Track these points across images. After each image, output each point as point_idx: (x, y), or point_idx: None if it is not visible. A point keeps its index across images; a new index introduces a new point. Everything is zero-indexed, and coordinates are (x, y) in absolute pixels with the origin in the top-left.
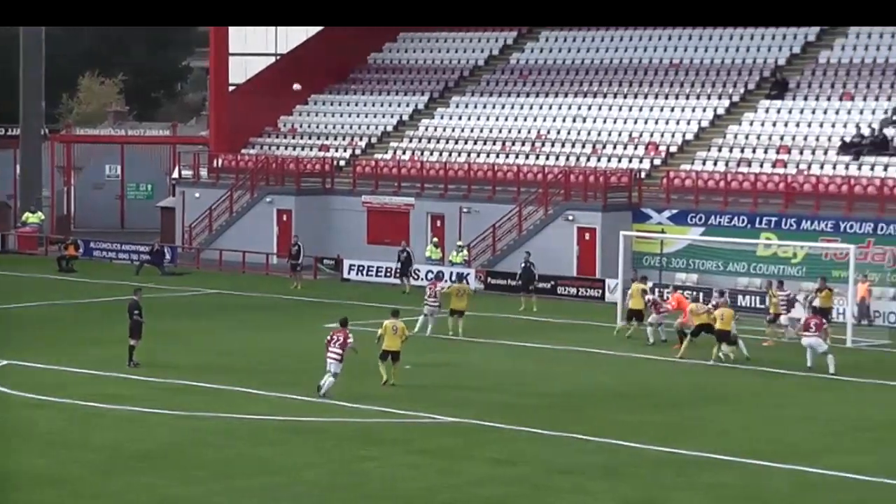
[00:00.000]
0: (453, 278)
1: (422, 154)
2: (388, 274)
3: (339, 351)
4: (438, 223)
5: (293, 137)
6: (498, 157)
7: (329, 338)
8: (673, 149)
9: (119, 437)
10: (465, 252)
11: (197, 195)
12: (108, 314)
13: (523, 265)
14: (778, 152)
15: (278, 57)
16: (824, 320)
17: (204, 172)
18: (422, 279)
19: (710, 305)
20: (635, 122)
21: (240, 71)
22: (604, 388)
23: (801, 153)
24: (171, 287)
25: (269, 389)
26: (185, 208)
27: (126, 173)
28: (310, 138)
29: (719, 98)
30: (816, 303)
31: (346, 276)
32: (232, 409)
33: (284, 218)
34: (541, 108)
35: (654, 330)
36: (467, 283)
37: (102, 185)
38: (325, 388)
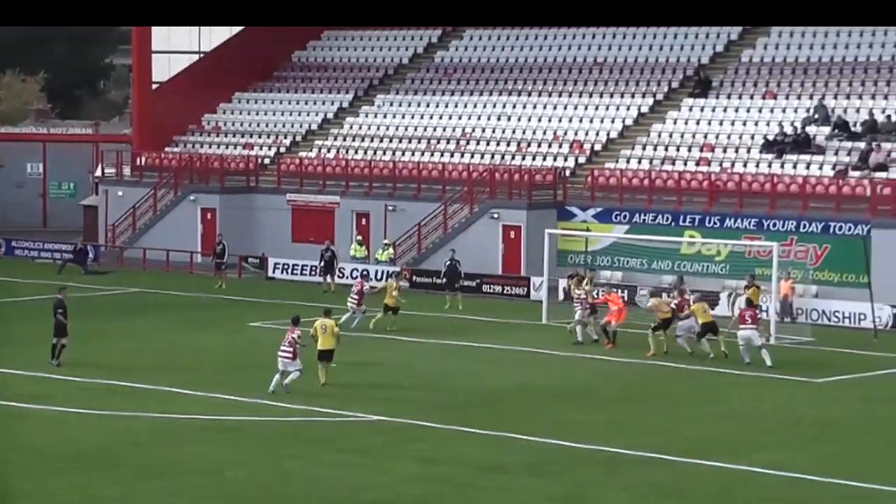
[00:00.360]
0: (379, 276)
1: (347, 152)
2: (313, 272)
3: (289, 349)
4: (364, 221)
5: (217, 136)
6: (423, 155)
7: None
8: (597, 147)
9: (45, 439)
10: (391, 250)
11: (120, 193)
12: (31, 313)
13: (448, 263)
14: (701, 150)
15: (202, 55)
16: (758, 312)
17: (127, 171)
18: (347, 278)
19: (671, 298)
20: (560, 121)
21: (163, 69)
22: (530, 386)
23: (725, 151)
24: (95, 286)
25: (196, 389)
26: (108, 207)
27: (48, 172)
28: (234, 136)
29: (643, 96)
30: (742, 300)
31: (270, 274)
32: (158, 408)
33: (209, 216)
34: (466, 106)
35: (583, 329)
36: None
37: (24, 183)
38: (273, 385)
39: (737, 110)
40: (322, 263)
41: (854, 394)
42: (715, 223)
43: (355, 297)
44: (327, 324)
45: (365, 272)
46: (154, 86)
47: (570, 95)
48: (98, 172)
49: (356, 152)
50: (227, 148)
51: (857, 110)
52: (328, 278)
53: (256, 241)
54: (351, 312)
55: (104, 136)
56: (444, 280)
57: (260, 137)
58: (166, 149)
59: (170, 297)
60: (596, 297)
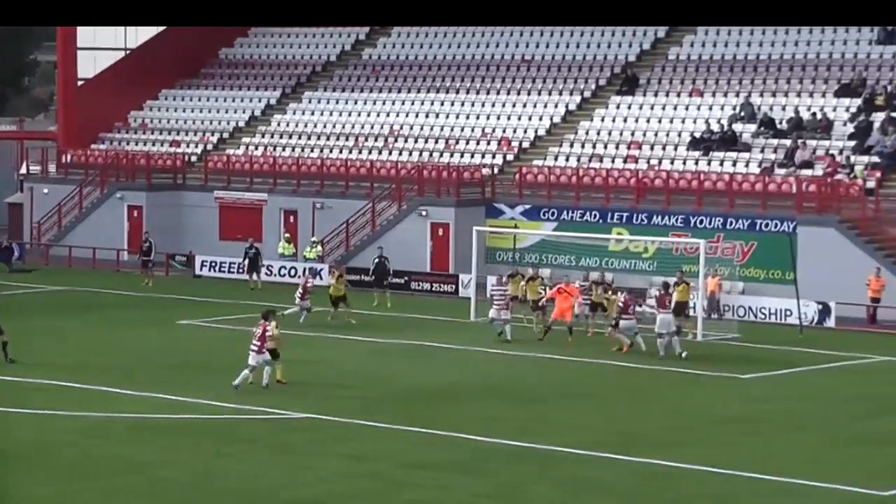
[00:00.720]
0: (306, 274)
1: (274, 150)
2: (241, 270)
3: (258, 343)
4: (291, 219)
5: (144, 133)
6: (351, 152)
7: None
8: (525, 144)
9: None
10: (319, 248)
11: (45, 191)
12: None
13: (377, 260)
14: (629, 148)
15: (128, 51)
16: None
17: (53, 168)
18: (275, 276)
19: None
20: (488, 118)
21: (89, 65)
22: (460, 383)
23: (652, 149)
24: (20, 284)
25: (126, 387)
26: (33, 204)
27: None
28: (161, 133)
29: (570, 94)
30: (675, 297)
31: (198, 272)
32: (88, 407)
33: (135, 214)
34: (393, 103)
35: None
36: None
37: None
38: (240, 379)
39: (664, 108)
40: (246, 261)
41: (781, 390)
42: (642, 220)
43: (300, 292)
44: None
45: (314, 269)
46: (80, 82)
47: (498, 93)
48: (23, 170)
49: (284, 150)
50: (153, 145)
51: (783, 108)
52: (254, 275)
53: (184, 238)
54: (297, 308)
55: (29, 132)
56: (373, 277)
57: (187, 135)
58: (92, 146)
59: (97, 295)
60: (542, 292)
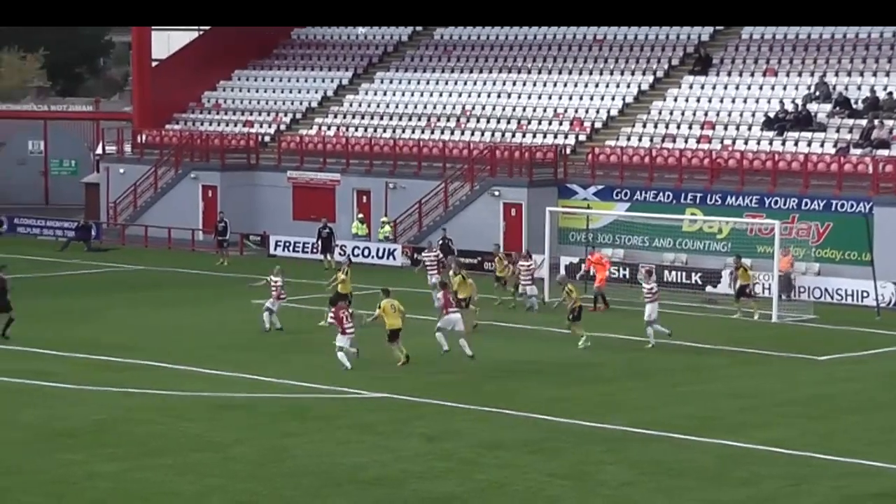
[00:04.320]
0: (380, 254)
1: (347, 130)
2: (314, 250)
3: (341, 326)
4: (365, 199)
5: (217, 113)
6: (423, 132)
7: (339, 316)
8: (598, 125)
9: (46, 415)
10: (388, 228)
11: (121, 171)
12: (33, 290)
13: (441, 242)
14: (702, 128)
15: (201, 32)
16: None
17: (128, 148)
18: (348, 255)
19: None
20: (560, 98)
21: (163, 46)
22: (531, 363)
23: (726, 129)
24: (98, 263)
25: (198, 365)
26: (109, 184)
27: (49, 149)
28: (234, 114)
29: (643, 74)
30: (738, 281)
31: (272, 252)
32: (160, 385)
33: (210, 194)
34: (465, 83)
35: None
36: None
37: (25, 160)
38: (345, 361)
39: (737, 87)
40: (319, 241)
41: (855, 372)
42: (716, 201)
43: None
44: (395, 303)
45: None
46: (154, 63)
47: (570, 73)
48: (99, 150)
49: (356, 130)
50: (227, 125)
51: (859, 87)
52: (327, 256)
53: (258, 218)
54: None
55: (105, 113)
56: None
57: (260, 115)
58: (167, 126)
59: (172, 274)
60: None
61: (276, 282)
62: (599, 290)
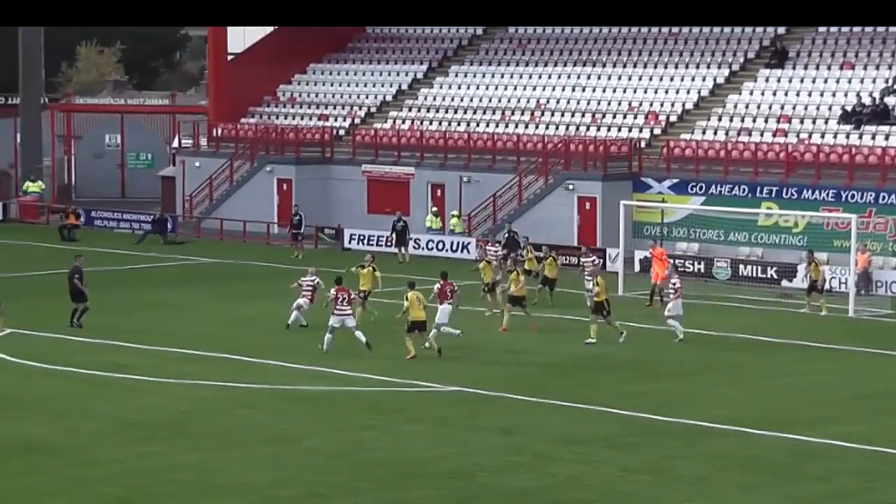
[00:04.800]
0: (454, 248)
1: (421, 123)
2: (389, 243)
3: (347, 308)
4: (439, 192)
5: (292, 107)
6: (497, 126)
7: (333, 297)
8: (673, 118)
9: (122, 406)
10: (455, 220)
11: (197, 164)
12: (110, 283)
13: (506, 235)
14: (778, 122)
15: (277, 26)
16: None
17: (204, 142)
18: (423, 248)
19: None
20: (635, 92)
21: (238, 40)
22: (607, 357)
23: (802, 122)
24: (174, 256)
25: (272, 358)
26: (185, 178)
27: (126, 143)
28: (309, 108)
29: (719, 67)
30: (811, 275)
31: (346, 245)
32: (235, 378)
33: (284, 187)
34: (540, 77)
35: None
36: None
37: (103, 154)
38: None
39: (814, 81)
40: (394, 234)
41: None
42: (792, 195)
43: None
44: (421, 296)
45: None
46: (230, 57)
47: (645, 66)
48: (175, 143)
49: (430, 123)
50: (302, 119)
51: None
52: (402, 249)
53: (332, 211)
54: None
55: (181, 107)
56: (504, 252)
57: (335, 109)
58: (242, 120)
59: (247, 267)
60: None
61: (309, 282)
62: (658, 285)
